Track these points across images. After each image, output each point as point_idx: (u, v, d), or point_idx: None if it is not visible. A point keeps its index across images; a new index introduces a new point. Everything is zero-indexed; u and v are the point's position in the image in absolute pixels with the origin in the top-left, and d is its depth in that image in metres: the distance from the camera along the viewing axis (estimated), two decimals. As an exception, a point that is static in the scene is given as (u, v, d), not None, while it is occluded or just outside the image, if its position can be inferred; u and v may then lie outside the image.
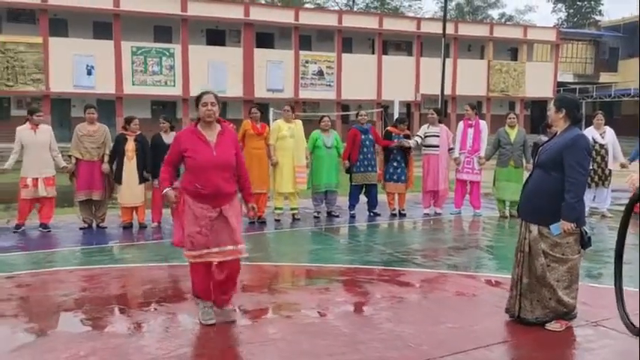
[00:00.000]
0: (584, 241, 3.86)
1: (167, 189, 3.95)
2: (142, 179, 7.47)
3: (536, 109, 36.25)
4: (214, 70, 28.09)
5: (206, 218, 3.81)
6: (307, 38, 31.39)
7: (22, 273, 5.40)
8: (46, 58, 25.59)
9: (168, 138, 7.58)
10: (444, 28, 23.81)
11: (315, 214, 8.46)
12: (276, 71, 29.41)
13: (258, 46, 29.50)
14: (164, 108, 28.72)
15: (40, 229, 7.33)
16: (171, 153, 3.97)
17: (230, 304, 4.13)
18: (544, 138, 4.69)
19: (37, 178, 7.15)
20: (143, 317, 4.20)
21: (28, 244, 6.77)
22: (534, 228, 3.86)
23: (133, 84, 27.18)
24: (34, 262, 5.89)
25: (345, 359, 3.37)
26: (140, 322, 4.08)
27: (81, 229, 7.46)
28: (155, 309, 4.39)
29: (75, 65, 26.04)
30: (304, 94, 30.11)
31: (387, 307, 4.45)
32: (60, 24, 27.00)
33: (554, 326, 3.85)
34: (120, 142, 7.45)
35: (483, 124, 8.72)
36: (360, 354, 3.47)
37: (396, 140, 8.47)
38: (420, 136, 8.78)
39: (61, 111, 26.63)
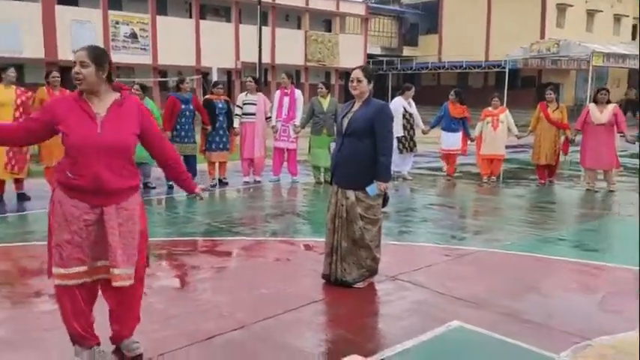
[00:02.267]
0: (385, 201, 4.25)
1: None
2: None
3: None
4: (5, 29, 24.71)
5: (80, 222, 2.75)
6: (117, -4, 29.16)
7: None
8: None
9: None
10: (261, -5, 23.82)
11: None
12: (82, 31, 26.80)
13: (59, 3, 26.63)
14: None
15: None
16: (33, 117, 2.88)
17: (130, 336, 3.07)
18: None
19: None
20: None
21: None
22: (351, 194, 4.11)
23: None
24: None
25: (156, 335, 3.29)
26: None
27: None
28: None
29: None
30: (117, 58, 27.90)
31: (205, 278, 4.43)
32: None
33: (359, 284, 4.18)
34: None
35: (298, 93, 9.00)
36: (172, 328, 3.41)
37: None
38: (239, 106, 8.78)
39: None
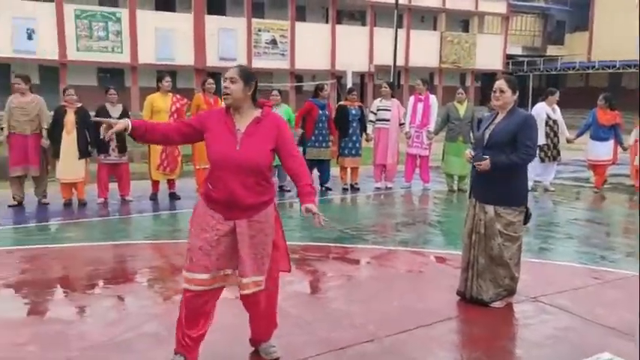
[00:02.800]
0: (527, 218, 4.01)
1: (127, 121, 2.88)
2: (83, 154, 7.16)
3: (486, 81, 36.85)
4: (162, 37, 27.18)
5: (213, 231, 2.86)
6: (260, 5, 30.72)
7: (-43, 254, 5.16)
8: (-19, 21, 24.13)
9: (115, 110, 7.32)
10: (398, -1, 23.71)
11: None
12: (228, 39, 28.71)
13: (209, 13, 28.68)
14: (111, 76, 27.70)
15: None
16: (186, 121, 3.03)
17: (268, 340, 3.23)
18: (486, 113, 4.76)
19: None
20: (86, 301, 4.09)
21: (-37, 222, 6.46)
22: (490, 209, 3.93)
23: (78, 50, 26.01)
24: (-31, 242, 5.64)
25: (291, 340, 3.38)
26: (83, 306, 3.97)
27: (10, 206, 7.13)
28: (99, 292, 4.28)
29: (14, 29, 24.68)
30: (257, 64, 29.57)
31: (336, 285, 4.48)
32: (-4, -16, 25.42)
33: (496, 303, 3.97)
34: (59, 115, 7.11)
35: (433, 99, 8.82)
36: (306, 335, 3.49)
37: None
38: (374, 112, 8.82)
39: (3, 76, 25.30)
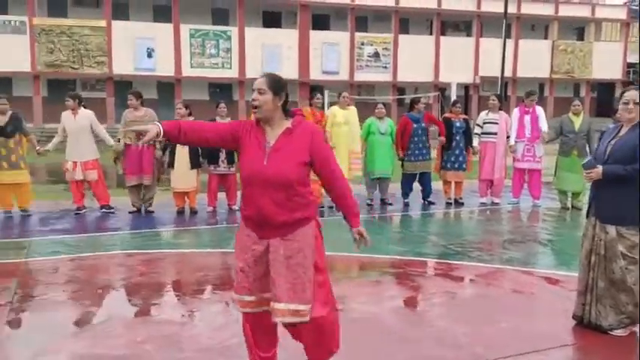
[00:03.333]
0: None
1: (157, 124, 2.68)
2: (195, 165, 7.55)
3: (603, 92, 34.53)
4: (269, 53, 28.20)
5: (249, 252, 2.72)
6: (363, 19, 30.98)
7: (83, 255, 5.60)
8: (109, 41, 26.37)
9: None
10: (506, 7, 22.89)
11: (368, 201, 8.38)
12: (331, 53, 29.22)
13: (313, 28, 29.37)
14: (221, 90, 29.14)
15: (103, 210, 7.61)
16: (222, 125, 2.83)
17: None
18: (611, 125, 4.41)
19: (76, 162, 7.37)
20: (196, 305, 4.28)
21: (87, 226, 7.02)
22: (612, 229, 3.63)
23: (192, 66, 27.67)
24: (94, 244, 6.11)
25: (393, 357, 3.32)
26: (193, 310, 4.16)
27: (130, 212, 7.64)
28: (208, 297, 4.47)
29: (136, 48, 26.73)
30: (359, 77, 29.81)
31: (440, 303, 4.35)
32: (121, 7, 27.73)
33: (617, 331, 3.66)
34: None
35: (540, 110, 8.40)
36: (408, 352, 3.41)
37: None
38: (479, 125, 8.54)
39: (123, 93, 27.45)
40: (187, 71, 27.59)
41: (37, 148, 7.41)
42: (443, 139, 8.24)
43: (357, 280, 5.03)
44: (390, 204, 8.37)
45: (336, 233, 6.96)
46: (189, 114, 7.48)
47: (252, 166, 2.65)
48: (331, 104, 9.74)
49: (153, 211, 7.68)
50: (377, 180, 8.34)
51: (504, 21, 23.05)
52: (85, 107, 7.59)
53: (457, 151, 8.36)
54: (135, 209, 7.68)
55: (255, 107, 2.66)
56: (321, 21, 30.38)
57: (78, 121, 7.39)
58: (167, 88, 27.75)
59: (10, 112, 7.10)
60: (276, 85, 2.67)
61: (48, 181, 10.53)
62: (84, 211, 7.56)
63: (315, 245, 2.70)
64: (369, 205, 8.31)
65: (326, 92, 24.42)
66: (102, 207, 7.65)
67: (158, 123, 2.66)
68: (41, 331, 3.72)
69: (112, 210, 7.62)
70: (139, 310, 4.18)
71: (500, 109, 8.55)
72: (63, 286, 4.64)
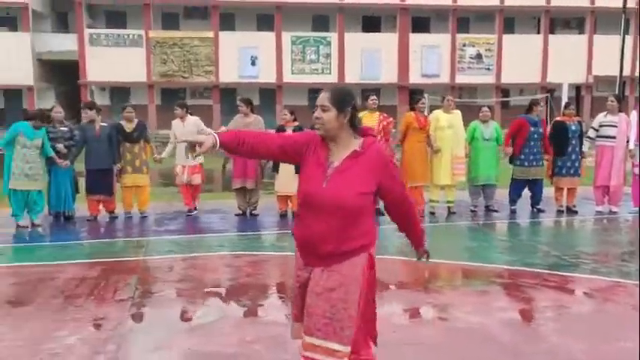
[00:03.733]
0: None
1: (215, 133, 2.48)
2: (298, 169, 7.68)
3: None
4: (368, 57, 28.25)
5: (295, 277, 2.55)
6: (465, 20, 30.16)
7: (195, 255, 5.91)
8: (216, 51, 27.71)
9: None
10: (625, 1, 21.27)
11: (472, 207, 8.13)
12: (431, 56, 28.73)
13: (413, 31, 29.04)
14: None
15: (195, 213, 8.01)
16: (287, 138, 2.61)
17: None
18: None
19: (184, 166, 7.74)
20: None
21: (198, 227, 7.39)
22: None
23: (292, 73, 28.36)
24: (204, 245, 6.42)
25: (506, 373, 3.19)
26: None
27: (236, 215, 7.93)
28: (312, 300, 4.54)
29: (241, 56, 27.85)
30: (461, 79, 29.05)
31: (553, 317, 4.12)
32: (228, 18, 29.04)
33: None
34: (279, 133, 7.79)
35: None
36: (522, 368, 3.26)
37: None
38: (595, 128, 8.01)
39: (228, 100, 28.72)
40: (288, 77, 28.31)
41: (155, 156, 7.93)
42: (510, 149, 7.88)
43: (461, 289, 4.89)
44: (496, 211, 8.05)
45: (439, 240, 6.82)
46: (294, 120, 7.66)
47: (309, 186, 2.41)
48: (431, 108, 9.58)
49: (257, 214, 7.93)
50: (481, 186, 8.07)
51: (623, 16, 21.44)
52: (191, 114, 8.01)
53: (573, 156, 7.88)
54: (241, 212, 7.98)
55: (319, 125, 2.42)
56: (421, 23, 29.96)
57: (186, 127, 7.82)
58: (269, 94, 28.63)
59: (136, 120, 7.65)
60: (341, 100, 2.40)
61: (161, 184, 11.23)
62: (194, 213, 7.97)
63: (363, 281, 2.40)
64: (472, 211, 8.05)
65: (426, 95, 24.13)
66: (190, 209, 8.04)
67: (215, 134, 2.46)
68: (159, 326, 3.96)
69: (191, 214, 7.93)
70: (247, 310, 4.33)
71: (619, 110, 7.96)
72: (177, 283, 4.92)
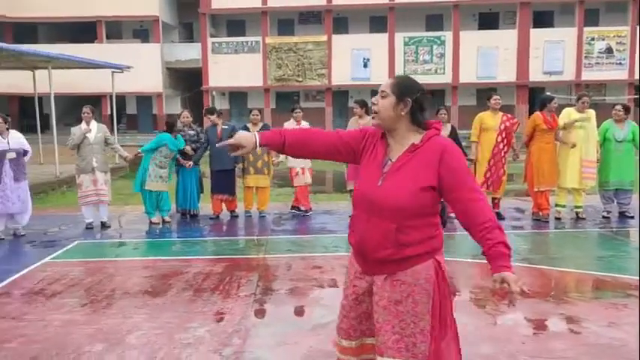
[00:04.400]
0: None
1: (255, 133, 2.33)
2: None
3: None
4: (484, 56, 27.24)
5: (350, 287, 2.31)
6: (594, 12, 28.08)
7: (312, 255, 6.01)
8: (329, 55, 28.16)
9: (444, 130, 7.59)
10: None
11: (605, 213, 7.52)
12: (554, 52, 27.06)
13: (534, 26, 27.54)
14: (433, 96, 29.06)
15: (292, 211, 8.22)
16: (339, 135, 2.35)
17: None
18: None
19: (303, 168, 7.97)
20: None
21: (313, 227, 7.51)
22: None
23: (405, 73, 28.08)
24: (320, 245, 6.51)
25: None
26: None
27: (350, 216, 7.95)
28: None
29: (353, 59, 28.07)
30: (588, 76, 27.07)
31: None
32: (341, 22, 29.40)
33: None
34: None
35: None
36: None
37: None
38: None
39: (340, 102, 29.07)
40: (401, 79, 28.05)
41: (273, 159, 8.19)
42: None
43: (594, 301, 4.53)
44: (632, 217, 7.38)
45: (566, 248, 6.38)
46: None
47: (364, 185, 2.22)
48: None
49: None
50: (613, 191, 7.44)
51: None
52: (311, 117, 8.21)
53: None
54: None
55: (374, 113, 2.23)
56: (544, 18, 28.34)
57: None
58: (381, 96, 28.56)
59: (261, 124, 7.96)
60: (402, 88, 2.18)
61: (277, 185, 11.59)
62: (309, 213, 8.13)
63: (432, 290, 2.15)
64: (604, 217, 7.45)
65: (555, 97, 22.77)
66: (293, 208, 8.24)
67: (256, 134, 2.30)
68: (281, 322, 4.07)
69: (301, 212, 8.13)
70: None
71: None
72: (297, 282, 5.02)
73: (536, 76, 27.23)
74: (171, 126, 7.59)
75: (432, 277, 2.14)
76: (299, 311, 4.30)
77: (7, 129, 6.76)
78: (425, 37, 28.14)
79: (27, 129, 26.48)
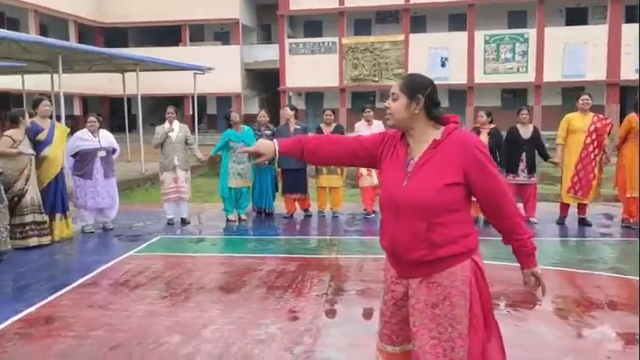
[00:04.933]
0: None
1: (275, 141, 2.37)
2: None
3: None
4: (571, 53, 25.95)
5: (388, 293, 2.29)
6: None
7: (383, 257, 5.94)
8: (406, 54, 27.85)
9: (526, 131, 7.30)
10: None
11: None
12: (651, 47, 25.37)
13: (627, 21, 25.92)
14: (514, 96, 28.05)
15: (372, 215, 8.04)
16: (357, 141, 2.36)
17: None
18: None
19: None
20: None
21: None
22: None
23: (485, 73, 27.28)
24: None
25: None
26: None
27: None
28: (507, 312, 4.27)
29: (430, 58, 27.59)
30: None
31: None
32: (419, 21, 29.00)
33: None
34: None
35: None
36: None
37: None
38: None
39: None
40: (480, 78, 27.29)
41: None
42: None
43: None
44: None
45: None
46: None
47: (389, 187, 2.19)
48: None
49: None
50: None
51: None
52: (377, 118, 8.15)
53: None
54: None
55: (387, 115, 2.22)
56: (636, 12, 26.59)
57: (372, 130, 7.94)
58: (459, 95, 27.93)
59: (334, 124, 8.00)
60: (412, 86, 2.17)
61: (350, 185, 11.58)
62: (372, 215, 8.07)
63: (470, 292, 2.09)
64: None
65: (641, 93, 21.36)
66: (369, 212, 8.08)
67: (275, 142, 2.34)
68: (352, 324, 4.06)
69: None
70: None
71: None
72: (368, 283, 4.99)
73: (628, 74, 25.60)
74: (229, 120, 7.77)
75: (469, 278, 2.09)
76: (370, 313, 4.27)
77: (99, 128, 7.18)
78: (507, 35, 27.21)
79: (116, 128, 28.06)
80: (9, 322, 4.11)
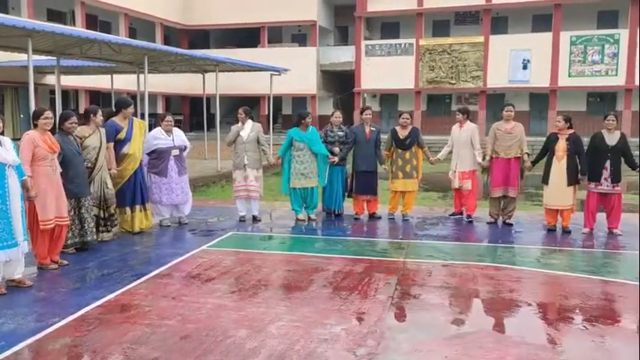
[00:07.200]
0: None
1: None
2: (572, 181, 7.01)
3: None
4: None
5: None
6: None
7: (455, 263, 5.82)
8: (485, 56, 27.09)
9: (611, 138, 6.93)
10: None
11: None
12: None
13: None
14: (602, 100, 26.60)
15: (465, 219, 7.89)
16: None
17: None
18: None
19: (455, 171, 7.80)
20: (566, 330, 3.95)
21: (458, 234, 7.27)
22: None
23: (569, 75, 26.06)
24: (463, 253, 6.30)
25: None
26: (560, 338, 3.83)
27: (487, 223, 7.72)
28: (582, 326, 4.06)
29: (511, 60, 26.69)
30: None
31: None
32: (500, 22, 28.12)
33: None
34: (550, 141, 7.23)
35: None
36: None
37: None
38: None
39: (496, 105, 27.78)
40: (564, 81, 26.11)
41: (430, 158, 8.08)
42: None
43: None
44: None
45: None
46: (569, 126, 7.06)
47: None
48: None
49: (512, 224, 7.55)
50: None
51: None
52: (471, 121, 7.98)
53: None
54: (492, 220, 7.71)
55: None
56: None
57: (462, 133, 7.80)
58: (540, 99, 26.88)
59: (410, 127, 7.92)
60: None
61: (423, 189, 11.42)
62: (457, 217, 7.92)
63: None
64: None
65: None
66: (468, 216, 7.86)
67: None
68: (417, 329, 4.00)
69: (471, 220, 7.80)
70: (507, 327, 4.11)
71: None
72: (436, 289, 4.91)
73: None
74: (299, 119, 7.83)
75: None
76: (436, 319, 4.19)
77: (175, 126, 7.49)
78: (595, 36, 25.88)
79: (195, 127, 29.02)
80: (91, 307, 4.37)
